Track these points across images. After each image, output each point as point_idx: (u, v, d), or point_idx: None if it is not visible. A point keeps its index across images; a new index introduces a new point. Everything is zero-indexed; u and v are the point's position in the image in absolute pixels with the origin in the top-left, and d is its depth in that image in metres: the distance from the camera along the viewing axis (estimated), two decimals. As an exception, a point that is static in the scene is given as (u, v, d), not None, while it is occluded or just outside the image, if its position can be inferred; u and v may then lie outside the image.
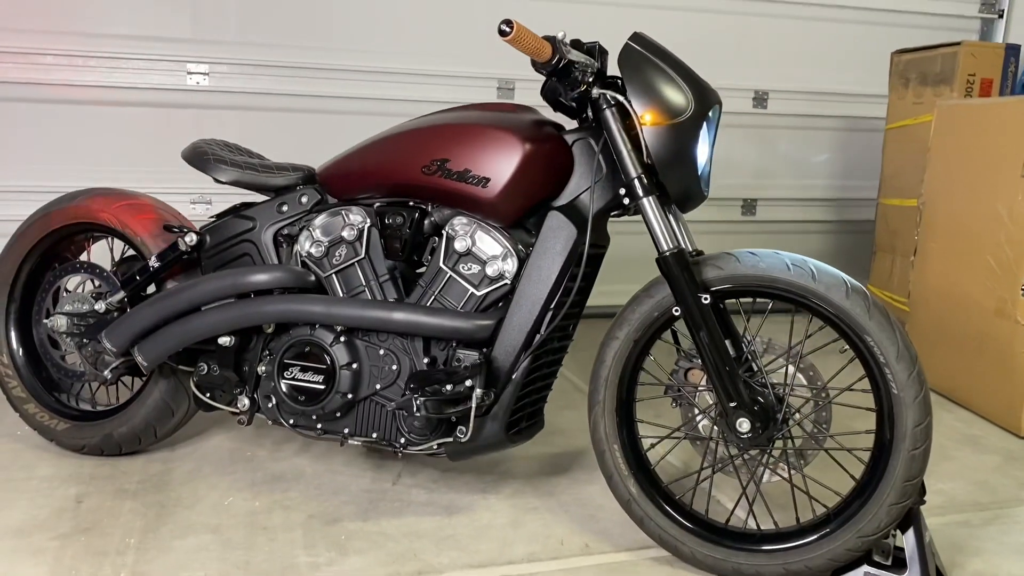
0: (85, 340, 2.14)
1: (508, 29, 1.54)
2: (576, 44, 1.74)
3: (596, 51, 1.73)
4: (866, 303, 1.67)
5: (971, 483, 2.32)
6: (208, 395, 2.07)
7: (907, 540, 1.72)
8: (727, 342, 1.80)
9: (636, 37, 1.78)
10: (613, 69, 1.80)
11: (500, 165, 1.78)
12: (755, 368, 1.79)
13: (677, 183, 1.76)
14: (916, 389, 1.64)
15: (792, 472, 1.79)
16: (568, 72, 1.70)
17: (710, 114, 1.77)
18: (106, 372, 2.10)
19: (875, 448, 1.70)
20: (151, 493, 2.07)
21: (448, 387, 1.75)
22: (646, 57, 1.75)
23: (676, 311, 1.74)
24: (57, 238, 2.27)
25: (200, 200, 3.42)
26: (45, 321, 2.22)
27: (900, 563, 1.72)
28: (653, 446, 1.89)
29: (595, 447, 1.86)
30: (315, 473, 2.21)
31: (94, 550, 1.80)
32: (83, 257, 2.33)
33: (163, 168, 3.29)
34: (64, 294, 2.24)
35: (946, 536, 2.01)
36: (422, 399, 1.73)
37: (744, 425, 1.70)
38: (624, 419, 1.85)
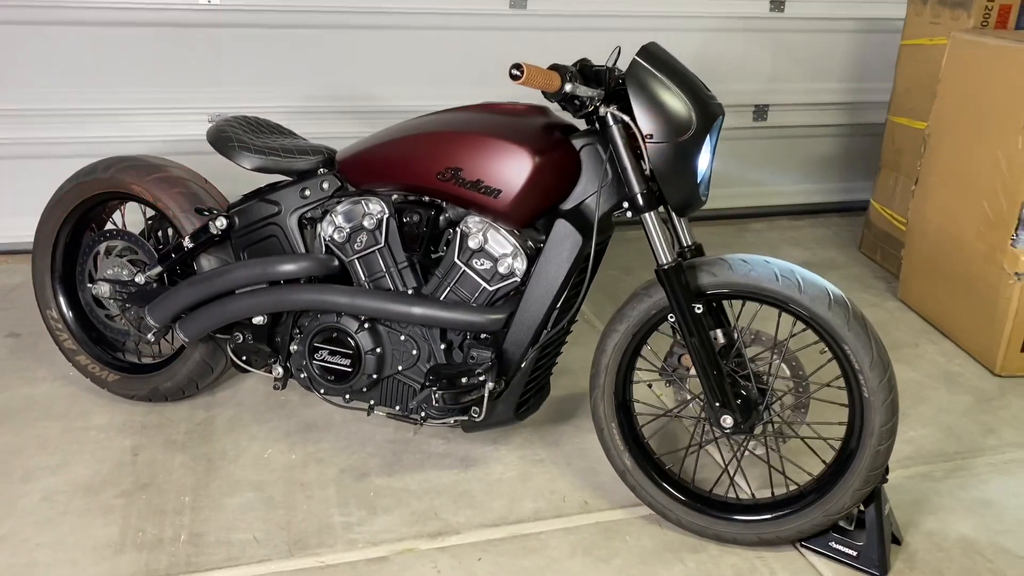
0: (127, 306, 2.33)
1: (519, 74, 1.62)
2: (586, 68, 1.80)
3: (604, 76, 1.79)
4: (846, 314, 1.82)
5: (940, 429, 2.54)
6: (244, 360, 2.27)
7: (868, 514, 1.96)
8: (719, 331, 1.97)
9: (644, 52, 1.84)
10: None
11: (511, 178, 1.88)
12: (742, 360, 1.96)
13: (676, 196, 1.87)
14: (885, 394, 1.82)
15: (772, 452, 2.01)
16: (574, 99, 1.77)
17: (711, 129, 1.85)
18: (149, 335, 2.30)
19: (845, 439, 1.90)
20: (198, 445, 2.31)
21: (463, 380, 1.94)
22: (652, 74, 1.81)
23: (671, 317, 1.89)
24: (92, 204, 2.40)
25: (216, 119, 3.49)
26: (89, 286, 2.39)
27: (863, 526, 1.97)
28: (647, 424, 2.10)
29: (595, 424, 2.07)
30: (343, 421, 2.44)
31: (155, 508, 2.06)
32: (116, 218, 2.48)
33: (177, 89, 3.36)
34: (104, 259, 2.40)
35: (908, 491, 2.24)
36: (440, 392, 1.92)
37: (727, 421, 1.89)
38: (622, 400, 2.05)
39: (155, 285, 2.29)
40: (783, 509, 1.96)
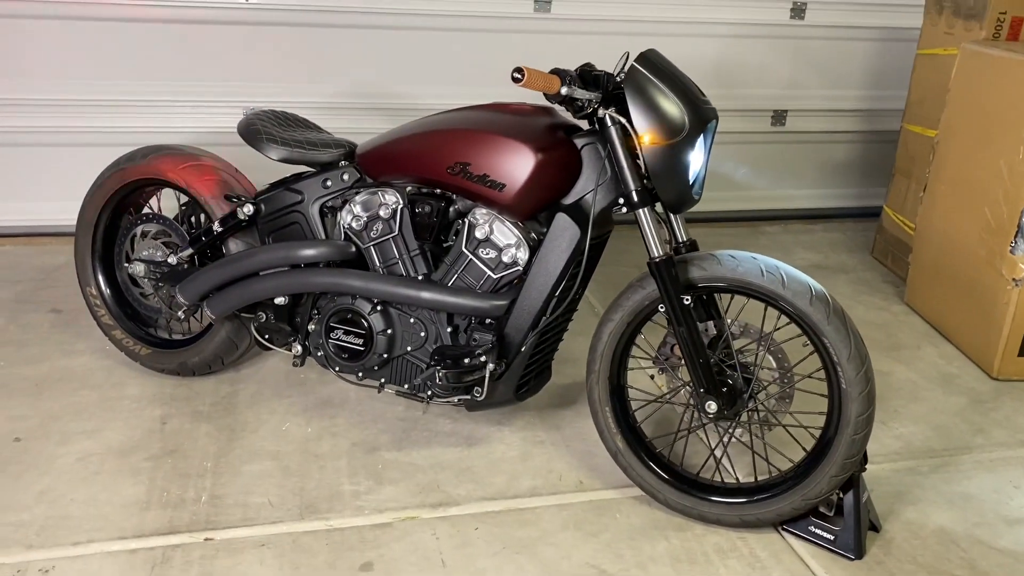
0: (160, 285, 2.50)
1: (519, 76, 1.75)
2: (586, 73, 1.92)
3: (603, 80, 1.92)
4: (826, 309, 1.93)
5: (931, 427, 2.63)
6: (266, 338, 2.43)
7: (846, 500, 2.06)
8: (710, 323, 2.09)
9: (642, 58, 1.96)
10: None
11: (515, 174, 2.02)
12: (730, 350, 2.07)
13: (670, 194, 1.99)
14: (862, 386, 1.93)
15: (755, 438, 2.12)
16: (573, 101, 1.91)
17: (704, 132, 1.97)
18: (179, 313, 2.46)
19: (824, 428, 2.01)
20: (222, 416, 2.48)
21: (466, 360, 2.08)
22: (649, 80, 1.94)
23: (661, 307, 2.02)
24: (131, 189, 2.58)
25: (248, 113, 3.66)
26: (126, 265, 2.57)
27: (842, 512, 2.07)
28: (640, 408, 2.22)
29: (590, 407, 2.20)
30: (358, 399, 2.59)
31: (180, 472, 2.22)
32: (152, 203, 2.65)
33: (213, 83, 3.54)
34: (140, 241, 2.57)
35: (892, 483, 2.34)
36: (443, 371, 2.06)
37: (712, 406, 2.01)
38: (616, 385, 2.17)
39: (186, 266, 2.46)
40: (764, 493, 2.07)
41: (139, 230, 2.57)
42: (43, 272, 3.33)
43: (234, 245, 2.42)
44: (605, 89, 1.93)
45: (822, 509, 2.10)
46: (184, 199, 2.56)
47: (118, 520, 2.04)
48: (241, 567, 1.92)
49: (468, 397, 2.18)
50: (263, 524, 2.06)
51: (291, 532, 2.03)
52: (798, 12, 4.06)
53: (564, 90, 1.84)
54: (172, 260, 2.46)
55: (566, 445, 2.43)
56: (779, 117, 4.24)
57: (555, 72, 1.86)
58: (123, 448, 2.31)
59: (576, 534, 2.08)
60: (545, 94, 1.88)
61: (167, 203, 2.68)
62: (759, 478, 2.13)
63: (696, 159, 1.98)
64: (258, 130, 2.32)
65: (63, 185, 3.52)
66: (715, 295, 2.09)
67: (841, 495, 2.07)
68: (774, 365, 2.08)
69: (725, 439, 2.13)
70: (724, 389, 2.03)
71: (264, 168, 2.58)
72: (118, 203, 2.61)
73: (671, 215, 2.14)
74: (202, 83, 3.56)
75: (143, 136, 3.37)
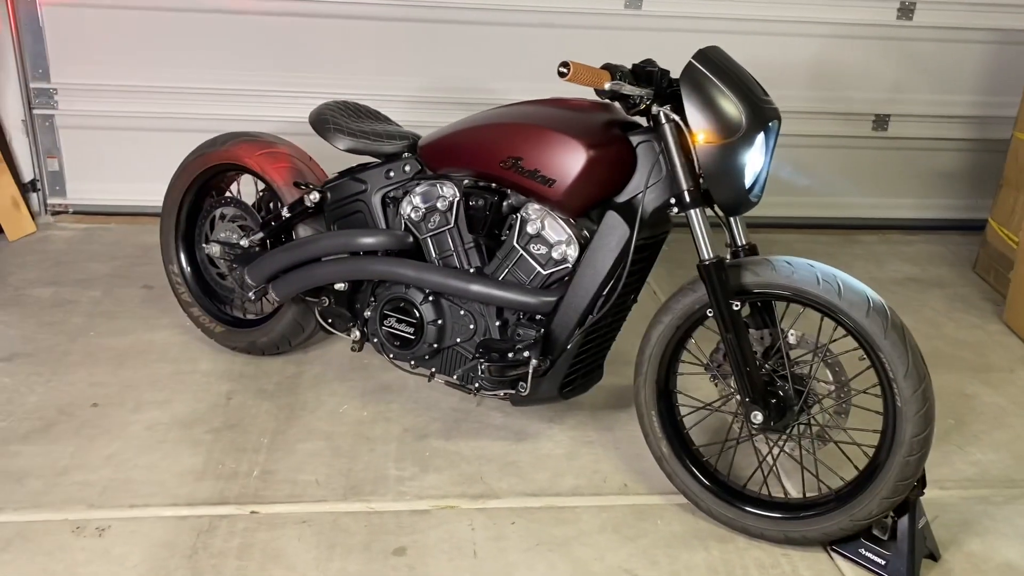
0: (233, 266, 2.60)
1: (565, 71, 1.74)
2: (638, 68, 1.89)
3: (656, 76, 1.88)
4: (884, 322, 1.84)
5: (1012, 456, 2.46)
6: (329, 322, 2.50)
7: (900, 525, 1.96)
8: (765, 331, 2.03)
9: (700, 55, 1.92)
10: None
11: (565, 169, 2.01)
12: (784, 360, 2.00)
13: (723, 195, 1.93)
14: (919, 405, 1.83)
15: (806, 453, 2.04)
16: (625, 98, 1.88)
17: (763, 132, 1.91)
18: (250, 294, 2.56)
19: (877, 447, 1.92)
20: (284, 395, 2.56)
21: (510, 355, 2.08)
22: (706, 76, 1.89)
23: (710, 312, 1.96)
24: (212, 173, 2.70)
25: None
26: (204, 246, 2.69)
27: (895, 537, 1.97)
28: (688, 415, 2.17)
29: (636, 410, 2.17)
30: (416, 387, 2.63)
31: (237, 446, 2.31)
32: (232, 188, 2.76)
33: (307, 75, 3.66)
34: (219, 223, 2.69)
35: (961, 512, 2.21)
36: (487, 364, 2.07)
37: (758, 417, 1.94)
38: (664, 390, 2.13)
39: (257, 249, 2.55)
40: (810, 510, 1.99)
41: (218, 212, 2.69)
42: (141, 250, 3.52)
43: (303, 231, 2.50)
44: (659, 86, 1.89)
45: (875, 532, 2.00)
46: (262, 185, 2.65)
47: (173, 487, 2.14)
48: (280, 541, 1.98)
49: (513, 392, 2.18)
50: (307, 502, 2.12)
51: (333, 511, 2.09)
52: (906, 12, 3.87)
53: (608, 85, 1.81)
54: (244, 243, 2.56)
55: (615, 447, 2.40)
56: (881, 122, 4.05)
57: (606, 67, 1.84)
58: (188, 419, 2.42)
59: (613, 537, 2.06)
60: (596, 90, 1.86)
61: (250, 188, 2.79)
62: (807, 494, 2.05)
63: (754, 160, 1.92)
64: (327, 120, 2.39)
65: (165, 168, 3.69)
66: (772, 302, 2.02)
67: (896, 518, 1.97)
68: (830, 378, 2.00)
69: (774, 452, 2.06)
70: (773, 400, 1.96)
71: (341, 158, 2.65)
72: (201, 186, 2.74)
73: (731, 218, 2.08)
74: (294, 74, 3.67)
75: (238, 123, 3.50)
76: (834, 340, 1.96)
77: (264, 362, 2.73)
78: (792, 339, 2.01)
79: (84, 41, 3.61)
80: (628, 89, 1.84)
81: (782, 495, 2.09)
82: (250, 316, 2.77)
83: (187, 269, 2.78)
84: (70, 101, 3.71)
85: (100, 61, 3.64)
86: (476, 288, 2.14)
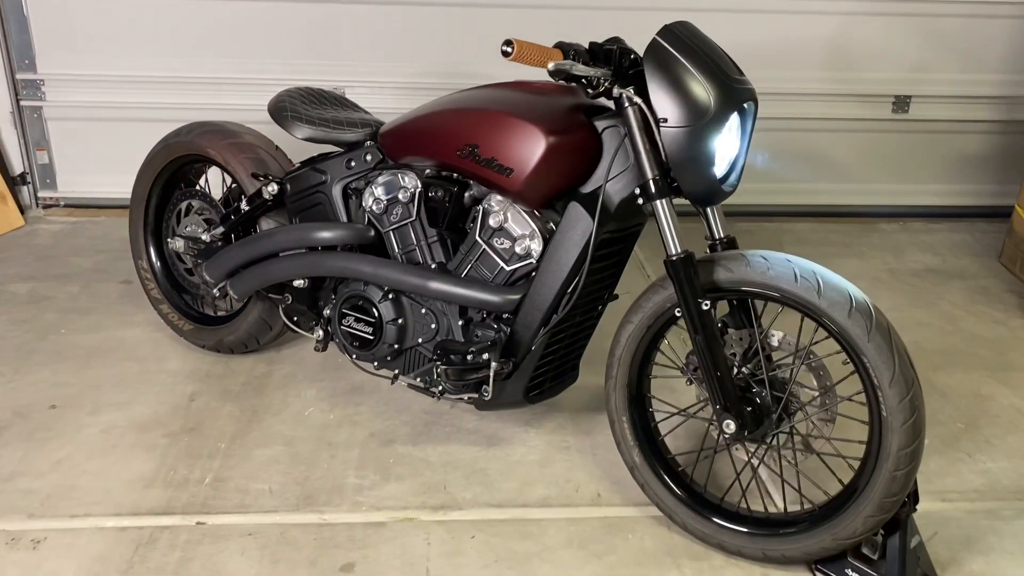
0: (198, 261, 2.50)
1: (509, 50, 1.59)
2: (595, 48, 1.73)
3: (614, 56, 1.72)
4: (868, 324, 1.66)
5: (1027, 465, 2.27)
6: (294, 320, 2.38)
7: (890, 544, 1.79)
8: (746, 331, 1.87)
9: (665, 31, 1.75)
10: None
11: (523, 158, 1.85)
12: (765, 363, 1.84)
13: (691, 184, 1.77)
14: (906, 415, 1.65)
15: (788, 464, 1.88)
16: (580, 79, 1.72)
17: (736, 115, 1.74)
18: (214, 291, 2.45)
19: (863, 460, 1.75)
20: (250, 396, 2.45)
21: (469, 357, 1.94)
22: (670, 55, 1.73)
23: (678, 311, 1.80)
24: (180, 164, 2.59)
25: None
26: (168, 240, 2.58)
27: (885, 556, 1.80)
28: (661, 422, 2.01)
29: (608, 416, 2.01)
30: (389, 388, 2.48)
31: (192, 451, 2.21)
32: (202, 182, 2.65)
33: (287, 62, 3.54)
34: (184, 217, 2.58)
35: (964, 527, 2.03)
36: (444, 367, 1.94)
37: (730, 426, 1.78)
38: (636, 395, 1.97)
39: (220, 244, 2.44)
40: (791, 527, 1.83)
41: (183, 205, 2.58)
42: (126, 244, 3.41)
43: (265, 224, 2.38)
44: (618, 65, 1.73)
45: (865, 550, 1.83)
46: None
47: (119, 495, 2.04)
48: (222, 555, 1.87)
49: (476, 396, 2.04)
50: (256, 512, 2.00)
51: (281, 523, 1.97)
52: (928, -15, 3.64)
53: (552, 65, 1.65)
54: (206, 237, 2.45)
55: (593, 453, 2.25)
56: (901, 103, 3.83)
57: (559, 46, 1.68)
58: (147, 422, 2.32)
59: (579, 553, 1.91)
60: (548, 72, 1.70)
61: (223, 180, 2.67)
62: (789, 509, 1.88)
63: (725, 146, 1.76)
64: (285, 108, 2.27)
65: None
66: (749, 300, 1.85)
67: (886, 536, 1.80)
68: (814, 384, 1.83)
69: (754, 463, 1.90)
70: (749, 408, 1.80)
71: (318, 148, 2.53)
72: (170, 177, 2.63)
73: (707, 209, 1.92)
74: (289, 62, 3.55)
75: (231, 113, 3.39)
76: (816, 342, 1.79)
77: (234, 361, 2.63)
78: (774, 341, 1.85)
79: (70, 30, 3.54)
80: (579, 69, 1.68)
81: (762, 509, 1.93)
82: (220, 313, 2.66)
83: (156, 264, 2.68)
84: (58, 92, 3.64)
85: (87, 50, 3.56)
86: (435, 285, 2.00)
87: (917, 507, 1.80)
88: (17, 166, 3.72)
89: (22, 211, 3.67)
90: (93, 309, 2.91)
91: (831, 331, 1.71)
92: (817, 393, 1.82)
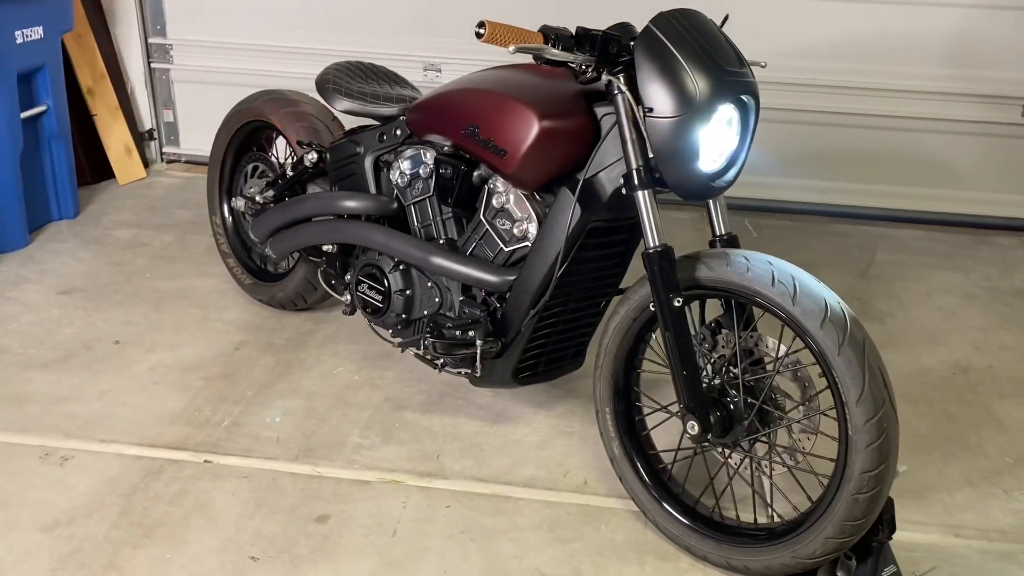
0: (249, 220, 2.67)
1: (481, 32, 1.60)
2: (581, 33, 1.71)
3: (600, 41, 1.69)
4: (840, 336, 1.58)
5: (1069, 510, 2.07)
6: (332, 284, 2.50)
7: (860, 572, 1.70)
8: (737, 332, 1.81)
9: (660, 18, 1.71)
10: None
11: (516, 140, 1.86)
12: (746, 368, 1.78)
13: (673, 177, 1.73)
14: (871, 436, 1.56)
15: (760, 474, 1.81)
16: (564, 64, 1.71)
17: (730, 107, 1.68)
18: (264, 249, 2.61)
19: (830, 479, 1.66)
20: (290, 351, 2.60)
21: (456, 333, 1.98)
22: (660, 42, 1.68)
23: (652, 306, 1.76)
24: (252, 128, 2.76)
25: (431, 68, 3.75)
26: (234, 199, 2.77)
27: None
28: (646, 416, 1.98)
29: (594, 405, 2.00)
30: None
31: (221, 395, 2.38)
32: (278, 145, 2.82)
33: (391, 38, 3.66)
34: (250, 178, 2.75)
35: (972, 567, 1.88)
36: (431, 340, 1.99)
37: (694, 428, 1.74)
38: (622, 387, 1.95)
39: (272, 205, 2.59)
40: (753, 540, 1.76)
41: (250, 167, 2.76)
42: (227, 200, 3.69)
43: (312, 190, 2.51)
44: (604, 51, 1.70)
45: (840, 573, 1.74)
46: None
47: (146, 428, 2.23)
48: (214, 493, 2.01)
49: (469, 371, 2.09)
50: (258, 458, 2.14)
51: (277, 471, 2.10)
52: (1070, -24, 3.30)
53: (512, 48, 1.63)
54: (260, 199, 2.61)
55: (594, 441, 2.23)
56: (1033, 107, 3.50)
57: (543, 29, 1.67)
58: (191, 365, 2.51)
59: (545, 536, 1.93)
60: (511, 54, 1.69)
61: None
62: (760, 522, 1.81)
63: (713, 139, 1.70)
64: (328, 81, 2.37)
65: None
66: (732, 301, 1.79)
67: (857, 563, 1.71)
68: (800, 393, 1.75)
69: (729, 468, 1.84)
70: (719, 412, 1.75)
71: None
72: (243, 140, 2.81)
73: (711, 204, 1.87)
74: (406, 37, 3.69)
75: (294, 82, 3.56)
76: (798, 351, 1.71)
77: (287, 317, 2.79)
78: (766, 346, 1.78)
79: (199, 1, 3.82)
80: (552, 54, 1.66)
81: (734, 516, 1.86)
82: (278, 271, 2.83)
83: (228, 220, 2.87)
84: (185, 56, 3.95)
85: (214, 20, 3.83)
86: (436, 260, 2.06)
87: (893, 536, 1.69)
88: (147, 123, 4.06)
89: (147, 164, 4.01)
90: (178, 258, 3.17)
91: (804, 340, 1.63)
92: (798, 404, 1.74)
